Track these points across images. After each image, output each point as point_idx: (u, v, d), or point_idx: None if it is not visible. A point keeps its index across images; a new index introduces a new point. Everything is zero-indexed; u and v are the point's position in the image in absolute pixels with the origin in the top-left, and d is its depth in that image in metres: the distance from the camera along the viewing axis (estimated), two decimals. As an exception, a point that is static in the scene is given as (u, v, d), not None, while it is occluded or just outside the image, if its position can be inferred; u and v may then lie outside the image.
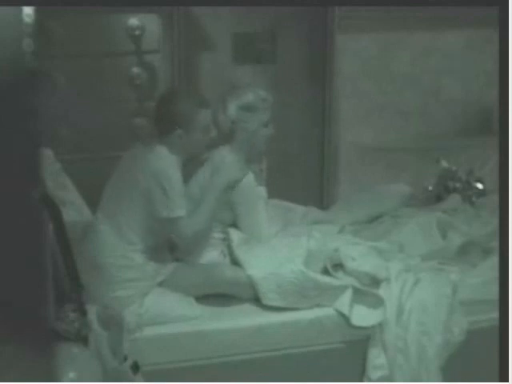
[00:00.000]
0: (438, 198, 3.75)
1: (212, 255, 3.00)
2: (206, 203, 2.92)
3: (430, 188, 3.81)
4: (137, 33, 3.64)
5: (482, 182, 3.76)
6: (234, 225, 3.07)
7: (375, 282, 2.92)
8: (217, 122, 3.02)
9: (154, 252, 2.84)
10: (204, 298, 2.85)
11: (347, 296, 2.83)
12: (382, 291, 2.87)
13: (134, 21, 3.63)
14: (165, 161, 2.78)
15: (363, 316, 2.83)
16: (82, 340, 2.02)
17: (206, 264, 2.95)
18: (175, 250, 2.98)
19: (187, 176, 2.97)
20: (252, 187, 3.05)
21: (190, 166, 2.98)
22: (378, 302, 2.85)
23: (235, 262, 2.94)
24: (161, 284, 2.83)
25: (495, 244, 3.06)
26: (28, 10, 1.30)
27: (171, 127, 2.81)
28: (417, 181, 3.92)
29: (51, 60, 3.31)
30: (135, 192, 2.78)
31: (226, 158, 3.02)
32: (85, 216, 3.05)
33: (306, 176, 4.17)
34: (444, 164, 3.81)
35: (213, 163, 3.04)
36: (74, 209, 3.01)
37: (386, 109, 4.22)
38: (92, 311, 2.31)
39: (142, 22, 3.63)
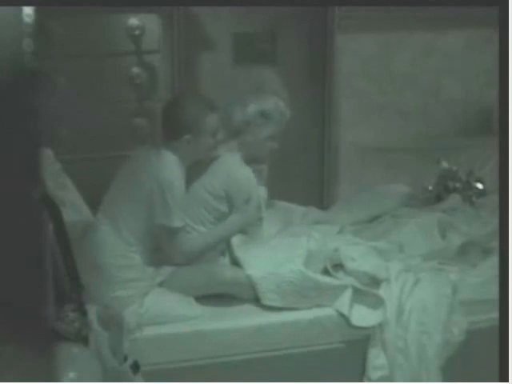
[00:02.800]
0: (438, 198, 3.75)
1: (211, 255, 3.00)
2: (217, 233, 2.94)
3: (430, 188, 3.81)
4: (137, 33, 3.64)
5: (482, 182, 3.76)
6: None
7: (375, 282, 2.92)
8: (230, 118, 3.01)
9: (152, 255, 2.83)
10: (204, 298, 2.85)
11: (347, 296, 2.83)
12: (382, 291, 2.87)
13: (134, 21, 3.63)
14: (170, 169, 2.76)
15: (363, 316, 2.83)
16: (82, 340, 2.02)
17: (205, 264, 2.95)
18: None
19: (190, 177, 2.95)
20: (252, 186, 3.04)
21: (192, 167, 2.96)
22: (377, 302, 2.85)
23: (235, 262, 2.94)
24: (161, 284, 2.83)
25: (495, 244, 3.06)
26: (28, 10, 1.30)
27: (180, 132, 2.80)
28: (417, 181, 3.91)
29: (51, 60, 3.32)
30: (137, 194, 2.77)
31: (251, 198, 2.99)
32: (85, 216, 3.04)
33: (306, 176, 4.17)
34: (444, 164, 3.81)
35: (223, 169, 3.01)
36: (74, 209, 3.01)
37: (386, 109, 4.21)
38: (92, 311, 2.30)
39: (142, 22, 3.63)
